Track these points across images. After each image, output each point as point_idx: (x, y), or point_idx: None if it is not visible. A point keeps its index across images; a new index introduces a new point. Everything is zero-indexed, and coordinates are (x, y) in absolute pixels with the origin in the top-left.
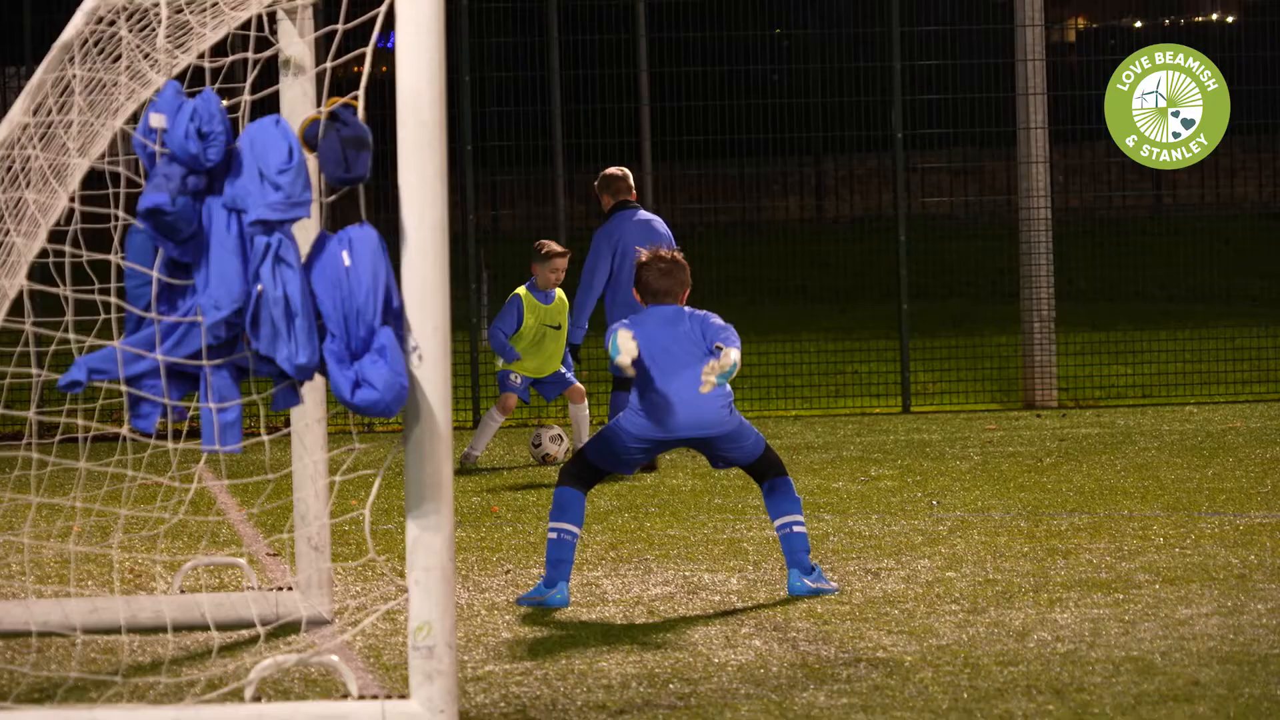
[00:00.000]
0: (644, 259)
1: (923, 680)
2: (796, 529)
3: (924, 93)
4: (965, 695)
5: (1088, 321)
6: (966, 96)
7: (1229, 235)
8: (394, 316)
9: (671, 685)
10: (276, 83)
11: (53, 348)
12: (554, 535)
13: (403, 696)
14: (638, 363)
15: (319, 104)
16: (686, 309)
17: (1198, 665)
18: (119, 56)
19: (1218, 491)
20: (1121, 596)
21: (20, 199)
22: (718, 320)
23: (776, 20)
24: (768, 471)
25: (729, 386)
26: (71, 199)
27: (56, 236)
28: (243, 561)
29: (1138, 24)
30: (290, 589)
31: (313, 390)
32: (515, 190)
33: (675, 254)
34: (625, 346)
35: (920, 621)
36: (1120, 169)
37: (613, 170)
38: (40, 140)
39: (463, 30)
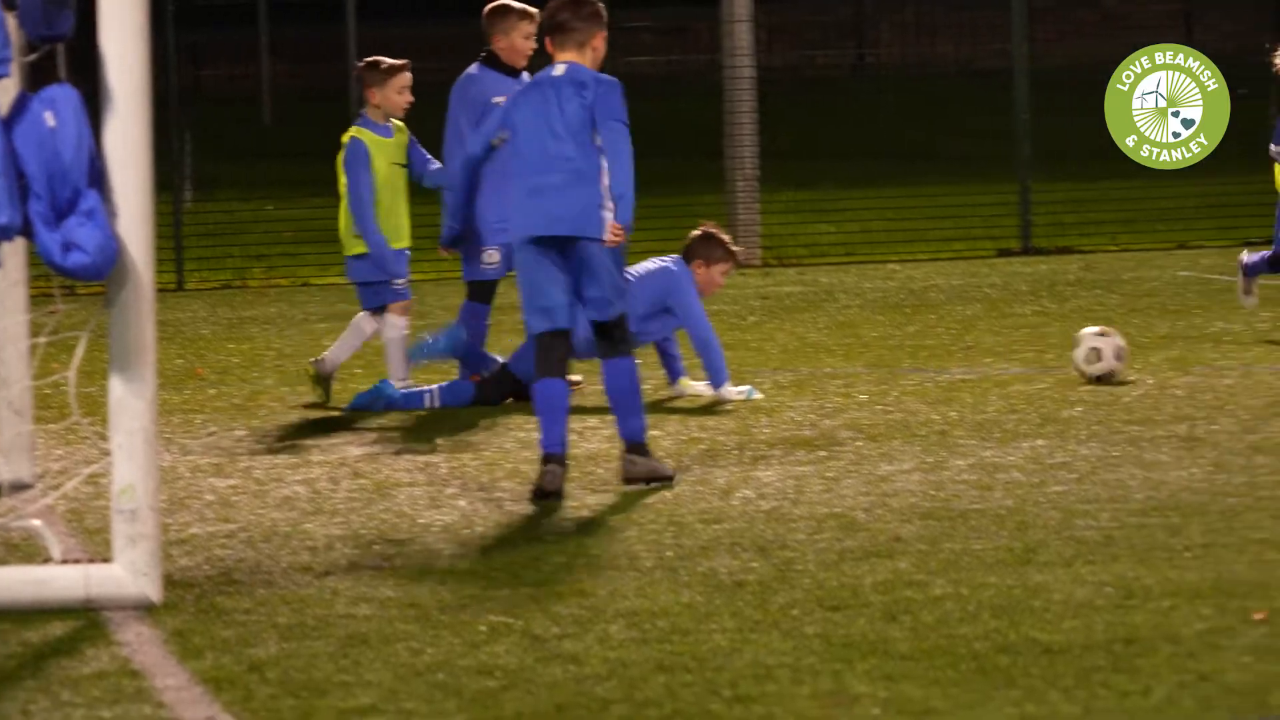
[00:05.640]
0: None
1: (628, 539)
2: None
3: None
4: (670, 554)
5: (792, 180)
6: None
7: (930, 93)
8: (96, 178)
9: (376, 547)
10: None
11: None
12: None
13: (105, 560)
14: None
15: None
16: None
17: (899, 521)
18: None
19: (919, 349)
20: (825, 454)
21: None
22: None
23: None
24: None
25: None
26: None
27: None
28: None
29: None
30: None
31: (14, 252)
32: (217, 50)
33: None
34: None
35: None
36: (823, 28)
37: None
38: None
39: None
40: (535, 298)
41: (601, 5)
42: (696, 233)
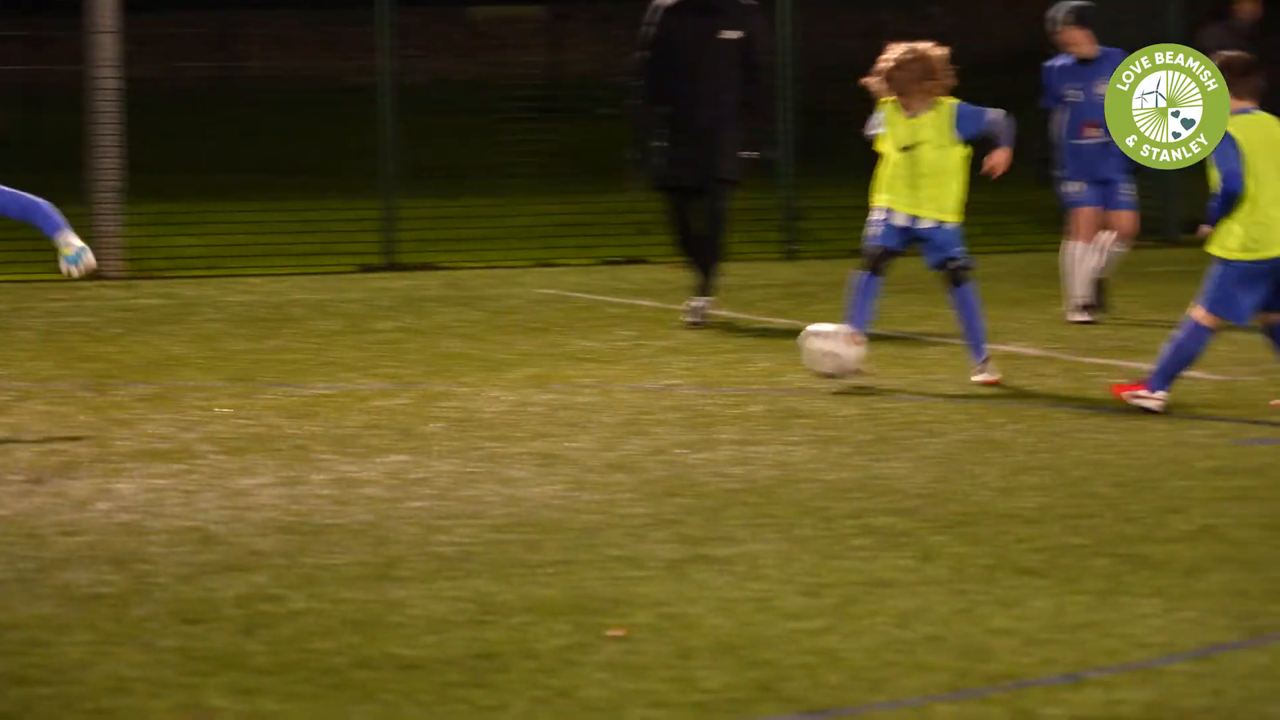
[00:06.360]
0: None
1: None
2: None
3: None
4: (27, 566)
5: (155, 192)
6: None
7: (296, 108)
8: None
9: None
10: None
11: None
12: None
13: None
14: None
15: None
16: None
17: (257, 535)
18: None
19: (280, 363)
20: (183, 467)
21: None
22: None
23: None
24: None
25: None
26: None
27: None
28: None
29: None
30: None
31: None
32: None
33: None
34: None
35: None
36: (190, 41)
37: None
38: None
39: None
40: None
41: None
42: None
